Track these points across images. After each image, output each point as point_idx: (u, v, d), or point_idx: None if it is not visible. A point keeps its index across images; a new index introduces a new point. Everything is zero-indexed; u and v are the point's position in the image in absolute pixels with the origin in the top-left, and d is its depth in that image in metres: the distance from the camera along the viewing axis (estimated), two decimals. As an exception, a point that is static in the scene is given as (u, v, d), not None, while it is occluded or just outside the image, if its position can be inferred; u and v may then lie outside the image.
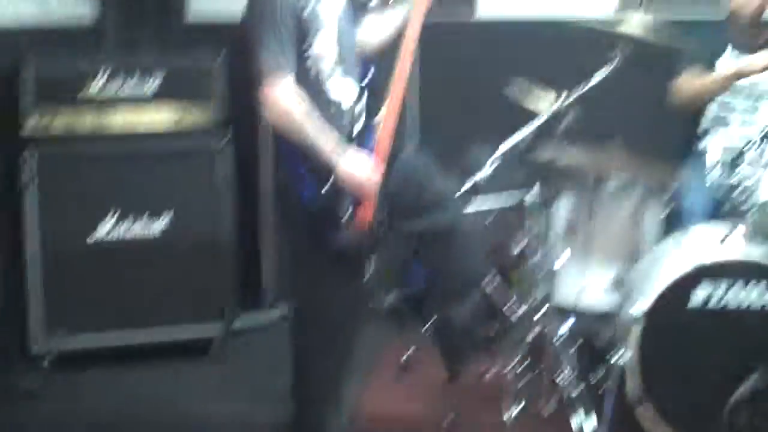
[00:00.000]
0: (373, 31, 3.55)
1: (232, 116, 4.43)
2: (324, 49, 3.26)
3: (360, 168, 3.22)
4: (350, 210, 3.25)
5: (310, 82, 3.25)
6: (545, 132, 3.76)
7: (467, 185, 3.86)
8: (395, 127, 3.40)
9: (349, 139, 3.29)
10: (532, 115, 3.82)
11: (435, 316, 3.65)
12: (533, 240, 3.95)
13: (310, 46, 3.23)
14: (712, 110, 4.29)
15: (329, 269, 3.33)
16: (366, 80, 3.35)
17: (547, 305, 3.81)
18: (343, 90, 3.33)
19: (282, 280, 4.65)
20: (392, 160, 3.42)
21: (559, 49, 4.61)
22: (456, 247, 3.55)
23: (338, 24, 3.31)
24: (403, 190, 3.49)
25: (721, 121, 4.27)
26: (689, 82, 4.26)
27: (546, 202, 3.80)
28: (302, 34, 3.21)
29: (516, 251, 4.01)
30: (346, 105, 3.32)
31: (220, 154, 4.34)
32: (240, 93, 4.50)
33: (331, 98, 3.30)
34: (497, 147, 3.82)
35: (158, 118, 4.30)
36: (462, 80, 5.04)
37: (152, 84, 4.29)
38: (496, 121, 3.88)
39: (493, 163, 3.80)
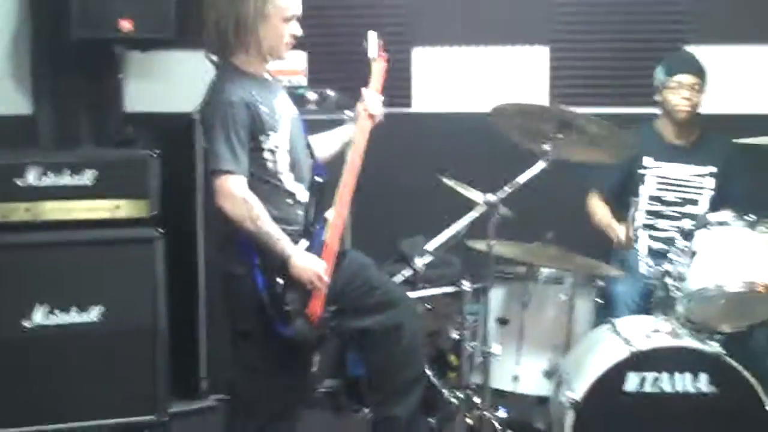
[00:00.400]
0: (323, 143, 3.64)
1: (168, 207, 4.44)
2: (279, 145, 3.35)
3: (311, 264, 3.28)
4: (300, 303, 3.29)
5: (268, 173, 3.33)
6: (479, 224, 3.83)
7: (406, 273, 3.91)
8: (343, 225, 3.49)
9: (304, 233, 3.36)
10: (467, 206, 3.89)
11: (380, 414, 3.66)
12: (470, 327, 4.01)
13: (267, 138, 3.31)
14: (641, 215, 4.42)
15: (276, 359, 3.35)
16: (318, 178, 3.43)
17: (484, 391, 3.84)
18: (297, 186, 3.40)
19: (219, 369, 4.61)
20: (341, 258, 3.49)
21: (493, 142, 4.73)
22: (401, 345, 3.59)
23: (289, 127, 3.41)
24: (351, 286, 3.55)
25: (650, 227, 4.39)
26: (596, 207, 4.43)
27: (481, 291, 3.84)
28: (259, 128, 3.30)
29: (453, 337, 4.06)
30: (301, 198, 3.40)
31: (154, 245, 4.33)
32: (176, 184, 4.55)
33: (288, 189, 3.37)
34: (433, 236, 3.87)
35: (93, 208, 4.29)
36: (398, 170, 5.13)
37: (88, 176, 4.28)
38: (432, 211, 3.94)
39: (431, 252, 3.86)
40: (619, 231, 4.30)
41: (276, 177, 3.38)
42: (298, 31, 3.46)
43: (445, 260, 4.46)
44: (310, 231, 3.40)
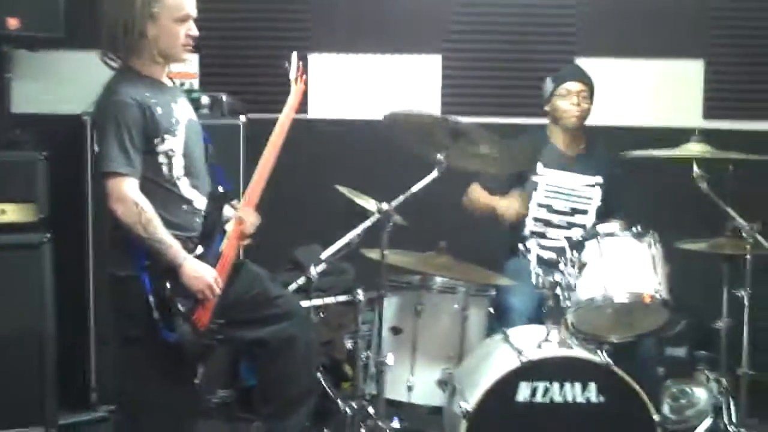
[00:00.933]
0: None
1: (57, 211, 4.35)
2: (175, 149, 3.30)
3: (202, 273, 3.25)
4: (187, 309, 3.25)
5: (163, 178, 3.30)
6: (373, 232, 3.85)
7: (300, 282, 3.91)
8: (242, 236, 3.47)
9: (201, 240, 3.32)
10: (361, 215, 3.90)
11: (270, 426, 3.65)
12: (364, 336, 4.02)
13: (162, 142, 3.27)
14: (530, 221, 4.50)
15: (161, 365, 3.31)
16: (220, 188, 3.41)
17: (378, 401, 3.85)
18: (194, 193, 3.37)
19: (109, 379, 4.52)
20: (238, 267, 3.46)
21: (387, 151, 4.75)
22: (295, 357, 3.59)
23: (186, 132, 3.36)
24: (246, 297, 3.53)
25: (539, 234, 4.48)
26: (477, 192, 4.50)
27: (375, 300, 3.86)
28: (153, 131, 3.25)
29: (347, 346, 4.07)
30: (198, 205, 3.36)
31: (42, 250, 4.23)
32: (65, 187, 4.45)
33: (184, 195, 3.33)
34: (328, 245, 3.87)
35: (-21, 212, 4.18)
36: (292, 177, 5.11)
37: (-26, 179, 4.18)
38: (325, 219, 3.95)
39: (324, 260, 3.86)
40: (506, 202, 4.38)
41: (171, 182, 3.34)
42: (194, 32, 3.42)
43: (340, 269, 4.48)
44: (206, 239, 3.37)
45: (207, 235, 3.38)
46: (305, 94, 5.22)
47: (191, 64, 4.83)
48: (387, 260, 3.80)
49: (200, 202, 3.41)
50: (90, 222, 4.52)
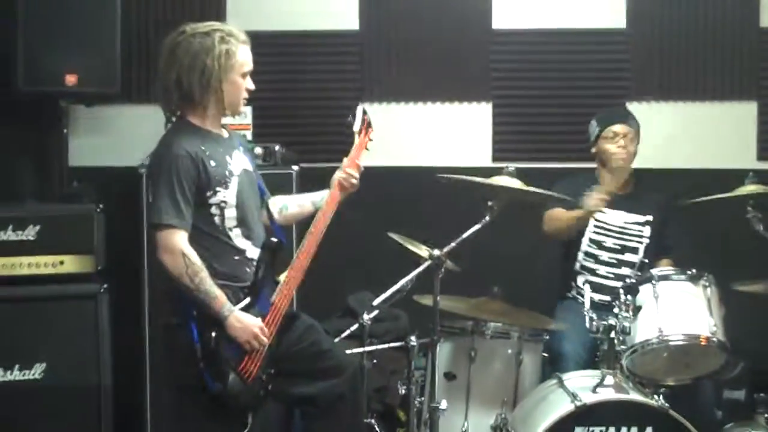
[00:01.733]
0: (295, 202, 3.70)
1: (114, 262, 4.42)
2: (227, 200, 3.35)
3: (248, 324, 3.28)
4: (234, 360, 3.28)
5: (215, 228, 3.34)
6: (425, 279, 3.85)
7: (353, 328, 3.92)
8: (295, 288, 3.49)
9: (250, 290, 3.36)
10: (413, 261, 3.91)
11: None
12: (417, 381, 4.01)
13: (214, 194, 3.32)
14: (580, 257, 4.49)
15: (210, 414, 3.32)
16: (273, 239, 3.44)
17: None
18: (246, 243, 3.41)
19: (164, 427, 4.55)
20: (291, 321, 3.48)
21: (438, 198, 4.77)
22: (343, 417, 3.60)
23: (239, 183, 3.41)
24: (297, 348, 3.54)
25: (588, 270, 4.46)
26: (556, 212, 4.47)
27: (428, 346, 3.85)
28: (206, 183, 3.30)
29: (401, 392, 4.06)
30: (250, 255, 3.40)
31: (99, 300, 4.29)
32: (121, 239, 4.52)
33: (236, 246, 3.37)
34: (380, 292, 3.88)
35: (37, 264, 4.25)
36: (345, 225, 5.15)
37: (31, 231, 4.25)
38: (378, 266, 3.96)
39: (377, 306, 3.87)
40: (587, 200, 4.31)
41: (222, 232, 3.38)
42: (252, 86, 3.50)
43: (392, 315, 4.49)
44: (255, 289, 3.40)
45: (257, 285, 3.41)
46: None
47: (245, 115, 4.90)
48: (439, 306, 3.80)
49: (253, 252, 3.44)
50: (145, 273, 4.58)
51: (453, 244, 3.79)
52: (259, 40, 5.28)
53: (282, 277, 3.49)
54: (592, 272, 4.44)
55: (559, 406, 3.60)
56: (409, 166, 5.34)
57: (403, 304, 4.11)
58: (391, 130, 5.39)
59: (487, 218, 3.79)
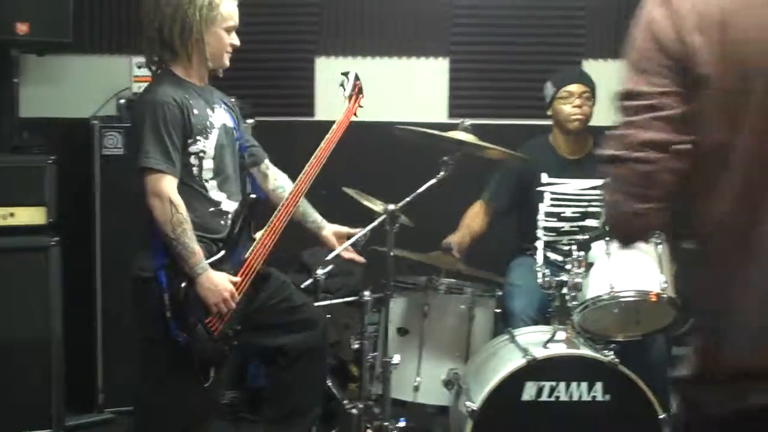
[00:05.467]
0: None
1: (64, 215, 4.37)
2: (206, 151, 3.34)
3: (220, 286, 3.27)
4: (201, 313, 3.27)
5: (191, 178, 3.33)
6: (379, 233, 3.85)
7: (307, 283, 3.92)
8: (272, 246, 3.48)
9: (225, 244, 3.35)
10: (368, 216, 3.90)
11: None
12: (369, 336, 4.02)
13: (194, 142, 3.30)
14: (540, 232, 4.49)
15: (174, 366, 3.32)
16: (253, 195, 3.44)
17: (385, 401, 3.84)
18: (222, 195, 3.39)
19: (116, 381, 4.53)
20: (266, 276, 3.48)
21: (394, 153, 4.76)
22: (312, 368, 3.67)
23: (219, 137, 3.39)
24: (270, 304, 3.55)
25: (553, 234, 4.47)
26: (467, 214, 4.54)
27: (382, 301, 3.86)
28: (188, 131, 3.29)
29: (353, 347, 4.07)
30: (225, 207, 3.39)
31: (50, 253, 4.24)
32: (73, 191, 4.47)
33: (211, 197, 3.36)
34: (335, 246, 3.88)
35: (-13, 215, 4.20)
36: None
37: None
38: (333, 219, 3.95)
39: (331, 261, 3.86)
40: (454, 237, 4.40)
41: (199, 183, 3.38)
42: (236, 42, 3.51)
43: (346, 270, 4.48)
44: (231, 243, 3.39)
45: (232, 239, 3.40)
46: (311, 96, 5.32)
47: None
48: (393, 261, 3.80)
49: (228, 205, 3.44)
50: (98, 225, 4.53)
51: (408, 199, 3.79)
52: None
53: (258, 235, 3.48)
54: (555, 244, 4.45)
55: (511, 361, 3.63)
56: (365, 121, 5.28)
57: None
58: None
59: (443, 173, 3.78)
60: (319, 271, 3.91)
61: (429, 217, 4.07)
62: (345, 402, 4.03)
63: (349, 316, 4.32)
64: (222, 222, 3.42)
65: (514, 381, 3.57)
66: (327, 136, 3.71)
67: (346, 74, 3.89)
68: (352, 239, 3.82)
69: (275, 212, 3.53)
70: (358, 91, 3.80)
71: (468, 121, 3.88)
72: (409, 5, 5.34)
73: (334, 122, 3.83)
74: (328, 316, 4.03)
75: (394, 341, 4.02)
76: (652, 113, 1.86)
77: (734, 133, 1.79)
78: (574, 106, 4.46)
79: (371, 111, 5.29)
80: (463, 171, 3.83)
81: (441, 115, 5.37)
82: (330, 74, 5.32)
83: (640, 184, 1.88)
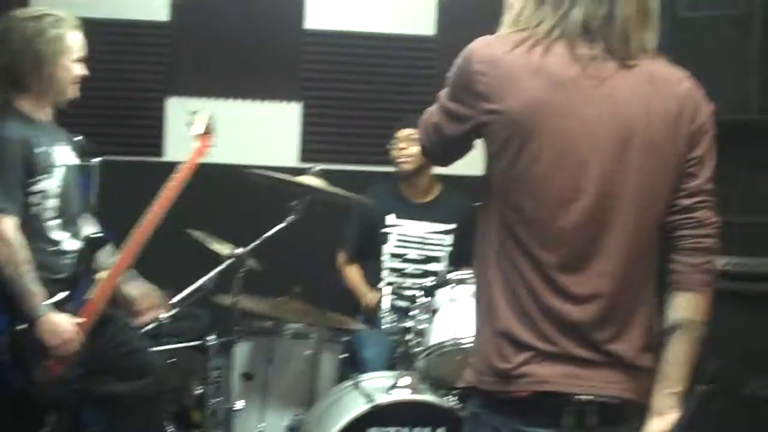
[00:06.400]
0: None
1: None
2: (48, 191, 3.26)
3: (61, 329, 3.19)
4: (41, 356, 3.18)
5: (32, 218, 3.25)
6: (226, 277, 3.82)
7: (150, 326, 3.84)
8: (113, 287, 3.40)
9: (68, 284, 3.27)
10: (214, 260, 3.86)
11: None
12: (213, 382, 3.97)
13: (35, 182, 3.22)
14: (385, 273, 4.54)
15: (7, 410, 3.21)
16: (96, 234, 3.36)
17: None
18: (63, 235, 3.31)
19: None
20: (107, 321, 3.40)
21: (244, 196, 4.74)
22: (149, 418, 3.59)
23: (64, 176, 3.32)
24: (108, 347, 3.46)
25: (394, 285, 4.51)
26: (351, 274, 4.60)
27: (226, 345, 3.82)
28: (31, 170, 3.21)
29: (196, 392, 4.00)
30: (66, 247, 3.30)
31: None
32: None
33: (52, 237, 3.28)
34: (180, 289, 3.82)
35: None
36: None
37: None
38: (179, 263, 3.90)
39: (176, 305, 3.81)
40: (368, 297, 4.47)
41: (39, 222, 3.29)
42: (84, 72, 3.47)
43: (192, 314, 4.42)
44: (73, 283, 3.32)
45: (74, 279, 3.32)
46: (160, 136, 5.25)
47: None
48: (239, 305, 3.77)
49: (70, 244, 3.36)
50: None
51: (255, 243, 3.77)
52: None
53: (101, 275, 3.40)
54: (398, 287, 4.50)
55: (354, 407, 3.62)
56: (215, 163, 5.25)
57: (205, 304, 4.06)
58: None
59: (291, 217, 3.78)
60: (163, 315, 3.84)
61: (278, 261, 4.05)
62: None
63: (192, 361, 4.25)
64: (64, 262, 3.34)
65: (358, 427, 3.56)
66: (173, 175, 3.65)
67: (194, 113, 3.84)
68: (199, 282, 3.78)
69: (118, 252, 3.46)
70: (207, 131, 3.75)
71: (318, 167, 3.90)
72: (262, 47, 5.35)
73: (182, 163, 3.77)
74: (172, 360, 3.97)
75: (239, 387, 3.98)
76: None
77: None
78: (401, 149, 4.54)
79: (222, 153, 5.27)
80: (314, 215, 3.84)
81: (293, 160, 5.38)
82: (181, 114, 5.28)
83: None
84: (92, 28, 5.09)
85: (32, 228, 3.28)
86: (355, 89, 5.45)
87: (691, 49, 4.43)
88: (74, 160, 3.49)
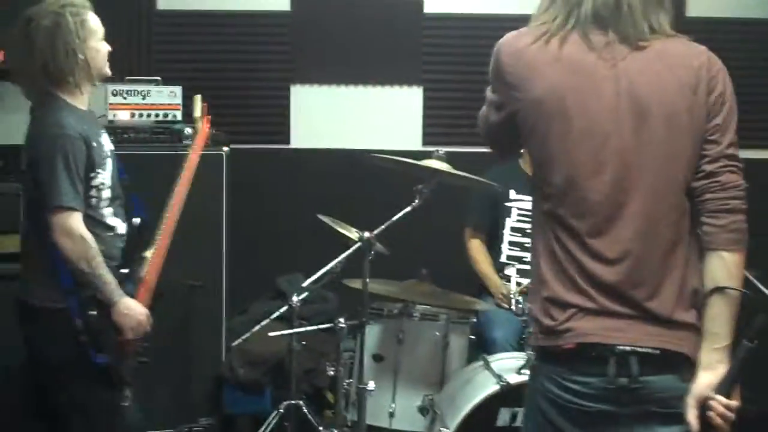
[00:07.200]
0: None
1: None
2: (104, 182, 3.36)
3: (134, 311, 3.31)
4: (114, 333, 3.30)
5: (93, 208, 3.34)
6: (355, 261, 3.87)
7: (282, 310, 3.93)
8: (162, 262, 3.51)
9: (123, 266, 3.38)
10: (343, 244, 3.93)
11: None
12: (345, 363, 4.04)
13: (96, 175, 3.32)
14: (505, 246, 4.56)
15: (93, 388, 3.32)
16: (138, 218, 3.47)
17: (360, 428, 3.85)
18: (116, 220, 3.43)
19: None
20: (159, 294, 3.51)
21: (369, 181, 4.80)
22: None
23: (112, 165, 3.43)
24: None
25: (516, 259, 4.52)
26: (478, 252, 4.59)
27: (357, 328, 3.88)
28: (91, 164, 3.31)
29: (329, 373, 4.08)
30: (120, 231, 3.42)
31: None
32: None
33: (108, 223, 3.39)
34: (310, 273, 3.90)
35: None
36: (275, 207, 5.16)
37: None
38: (309, 248, 3.98)
39: (306, 288, 3.89)
40: (497, 288, 4.48)
41: (99, 212, 3.38)
42: (108, 47, 3.47)
43: (322, 297, 4.51)
44: (129, 264, 3.43)
45: (128, 261, 3.44)
46: (287, 124, 5.35)
47: (175, 95, 4.85)
48: (368, 288, 3.82)
49: (122, 228, 3.46)
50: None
51: (382, 227, 3.82)
52: (189, 19, 5.35)
53: (148, 254, 3.52)
54: (520, 260, 4.51)
55: (485, 387, 3.65)
56: (340, 149, 5.37)
57: (334, 287, 4.14)
58: (321, 113, 5.41)
59: (417, 201, 3.81)
60: (295, 298, 3.93)
61: (405, 244, 4.10)
62: (321, 428, 4.04)
63: (325, 344, 4.34)
64: (119, 245, 3.45)
65: (489, 407, 3.58)
66: (187, 159, 3.73)
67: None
68: (328, 266, 3.85)
69: (157, 231, 3.56)
70: (203, 113, 3.89)
71: (442, 150, 3.92)
72: (382, 33, 5.39)
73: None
74: (303, 343, 4.05)
75: (370, 368, 4.05)
76: None
77: None
78: None
79: (346, 139, 5.38)
80: (439, 198, 3.88)
81: (416, 144, 5.43)
82: (306, 102, 5.39)
83: None
84: (217, 20, 5.31)
85: (93, 218, 3.36)
86: (476, 71, 5.43)
87: None
88: (111, 144, 3.54)
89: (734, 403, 2.24)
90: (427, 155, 3.93)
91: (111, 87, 4.66)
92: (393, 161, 3.91)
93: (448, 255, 4.71)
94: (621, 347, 2.24)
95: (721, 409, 2.23)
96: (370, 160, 3.95)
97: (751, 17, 5.46)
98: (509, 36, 2.41)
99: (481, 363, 3.93)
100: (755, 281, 3.81)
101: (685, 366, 2.28)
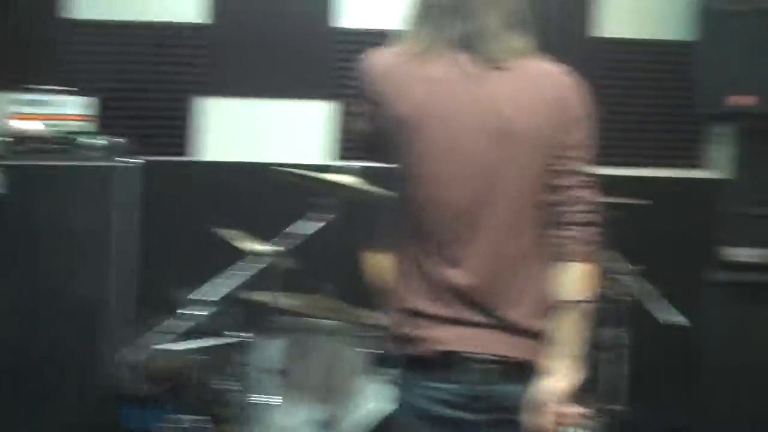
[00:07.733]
0: None
1: None
2: None
3: None
4: None
5: None
6: (261, 276, 3.84)
7: (185, 324, 3.89)
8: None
9: None
10: (245, 258, 3.89)
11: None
12: (247, 378, 3.99)
13: None
14: None
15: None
16: None
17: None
18: None
19: None
20: None
21: (279, 195, 4.77)
22: None
23: None
24: None
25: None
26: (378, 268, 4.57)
27: (259, 342, 3.84)
28: None
29: (231, 388, 4.03)
30: None
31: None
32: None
33: None
34: (216, 287, 3.85)
35: None
36: (180, 220, 5.10)
37: None
38: (208, 261, 3.93)
39: (210, 302, 3.84)
40: None
41: None
42: None
43: (225, 311, 4.44)
44: None
45: None
46: (187, 136, 5.29)
47: (91, 107, 4.78)
48: (273, 303, 3.79)
49: None
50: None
51: (290, 241, 3.79)
52: (107, 30, 5.28)
53: None
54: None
55: (389, 402, 3.62)
56: (249, 162, 5.33)
57: (236, 301, 4.09)
58: (232, 126, 5.37)
59: (327, 216, 3.80)
60: (197, 312, 3.88)
61: (311, 259, 4.07)
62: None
63: (227, 358, 4.28)
64: None
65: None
66: None
67: None
68: (231, 283, 3.80)
69: None
70: None
71: (355, 164, 3.91)
72: (294, 47, 5.37)
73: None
74: (204, 357, 3.99)
75: (272, 383, 4.00)
76: None
77: None
78: None
79: (255, 152, 5.34)
80: (346, 213, 3.87)
81: (329, 158, 5.40)
82: (217, 115, 5.34)
83: None
84: (134, 31, 5.24)
85: None
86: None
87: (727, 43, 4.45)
88: None
89: (578, 410, 2.33)
90: (337, 170, 3.92)
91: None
92: (291, 174, 3.90)
93: (356, 270, 4.69)
94: (477, 355, 2.32)
95: (559, 416, 2.30)
96: (271, 174, 3.93)
97: (661, 38, 5.52)
98: (376, 53, 2.46)
99: (384, 378, 3.91)
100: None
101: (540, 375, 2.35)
